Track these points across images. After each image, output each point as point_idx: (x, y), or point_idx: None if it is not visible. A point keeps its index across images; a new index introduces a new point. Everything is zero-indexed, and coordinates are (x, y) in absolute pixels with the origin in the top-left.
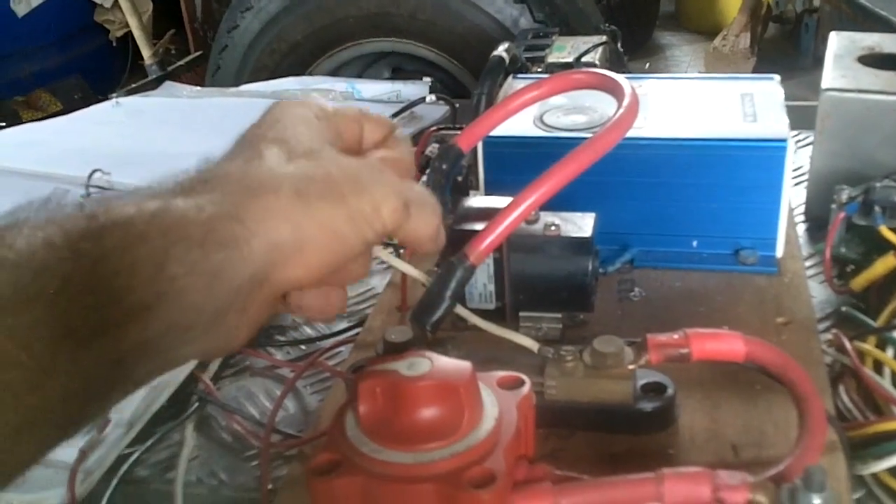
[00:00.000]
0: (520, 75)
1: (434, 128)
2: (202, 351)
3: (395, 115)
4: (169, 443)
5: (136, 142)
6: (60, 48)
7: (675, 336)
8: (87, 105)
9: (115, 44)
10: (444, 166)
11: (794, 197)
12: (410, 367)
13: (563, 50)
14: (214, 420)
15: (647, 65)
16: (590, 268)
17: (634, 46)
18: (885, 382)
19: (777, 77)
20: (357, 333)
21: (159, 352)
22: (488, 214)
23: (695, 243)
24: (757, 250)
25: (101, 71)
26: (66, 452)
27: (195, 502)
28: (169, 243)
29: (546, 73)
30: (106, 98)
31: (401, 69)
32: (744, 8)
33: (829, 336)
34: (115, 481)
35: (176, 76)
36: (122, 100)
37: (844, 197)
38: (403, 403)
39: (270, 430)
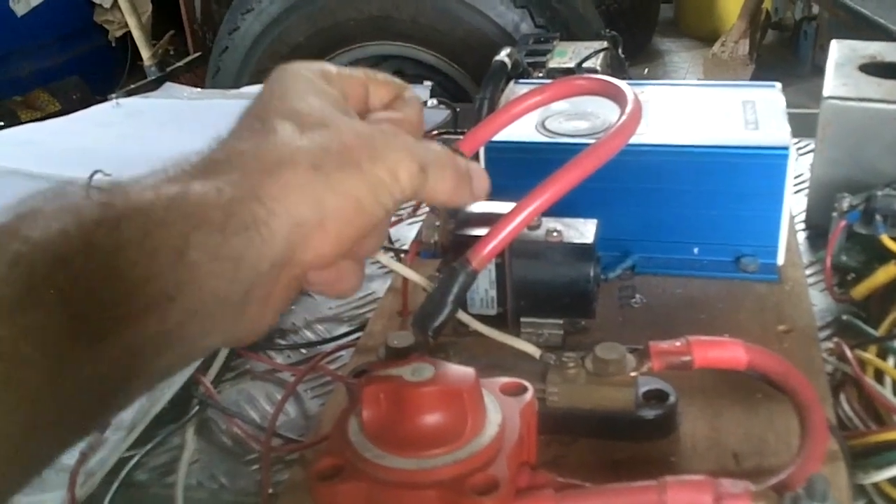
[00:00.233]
0: (521, 80)
1: (435, 132)
2: (226, 340)
3: None
4: (169, 446)
5: (137, 143)
6: (59, 48)
7: (678, 343)
8: (86, 105)
9: (114, 44)
10: None
11: (794, 205)
12: (414, 372)
13: (565, 55)
14: (215, 424)
15: (646, 70)
16: (592, 274)
17: (633, 52)
18: (887, 391)
19: (779, 84)
20: (358, 338)
21: (181, 342)
22: (490, 220)
23: (696, 250)
24: (758, 258)
25: (100, 71)
26: (67, 455)
27: None
28: (190, 229)
29: (547, 78)
30: (105, 98)
31: (402, 73)
32: (743, 14)
33: (830, 345)
34: (115, 484)
35: (175, 77)
36: (122, 100)
37: (845, 205)
38: (407, 409)
39: (271, 434)
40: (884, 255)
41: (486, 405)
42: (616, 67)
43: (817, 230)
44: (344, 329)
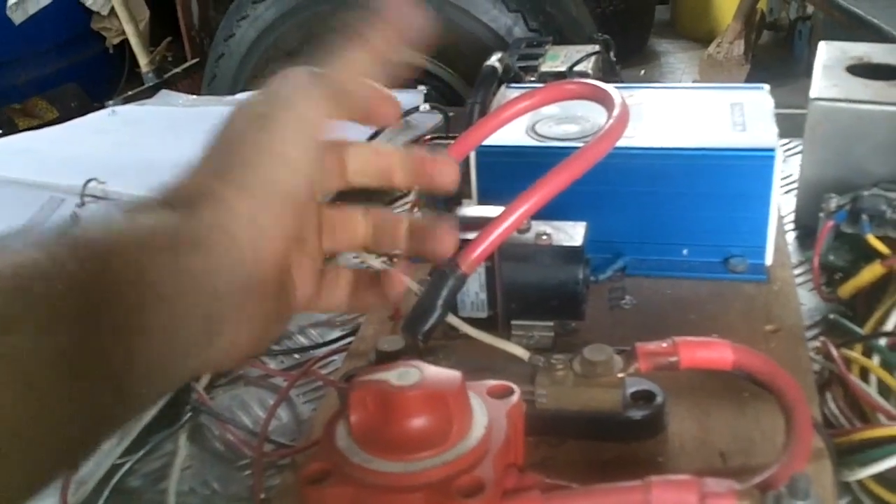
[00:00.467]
0: (513, 84)
1: (428, 137)
2: (205, 363)
3: None
4: (162, 452)
5: (133, 150)
6: (57, 55)
7: (664, 344)
8: (84, 112)
9: (111, 51)
10: None
11: (783, 205)
12: (400, 377)
13: (557, 59)
14: (207, 429)
15: (643, 72)
16: (581, 276)
17: (630, 53)
18: (871, 390)
19: (767, 86)
20: (350, 342)
21: (160, 370)
22: (480, 223)
23: (685, 252)
24: (746, 258)
25: (97, 78)
26: None
27: None
28: (143, 253)
29: (539, 82)
30: (102, 105)
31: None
32: (738, 15)
33: (817, 343)
34: (107, 491)
35: (172, 83)
36: (118, 108)
37: (833, 205)
38: (393, 413)
39: (263, 439)
40: (870, 255)
41: (472, 408)
42: (608, 71)
43: (806, 230)
44: (336, 333)
